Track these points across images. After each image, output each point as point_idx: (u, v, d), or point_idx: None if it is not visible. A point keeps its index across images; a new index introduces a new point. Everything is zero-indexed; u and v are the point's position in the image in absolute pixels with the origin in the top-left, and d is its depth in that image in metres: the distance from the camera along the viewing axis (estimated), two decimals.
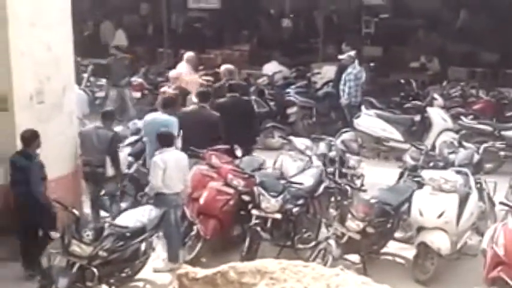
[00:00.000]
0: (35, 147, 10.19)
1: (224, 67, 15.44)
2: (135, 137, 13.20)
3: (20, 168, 10.12)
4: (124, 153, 12.79)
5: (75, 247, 9.03)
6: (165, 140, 10.71)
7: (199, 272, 6.79)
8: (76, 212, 9.40)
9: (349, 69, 16.63)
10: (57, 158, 11.09)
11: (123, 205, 12.40)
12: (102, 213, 12.15)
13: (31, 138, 10.14)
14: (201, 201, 10.97)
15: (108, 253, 9.23)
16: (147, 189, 10.82)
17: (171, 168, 10.38)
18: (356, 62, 16.88)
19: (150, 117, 12.61)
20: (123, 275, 9.73)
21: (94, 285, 9.17)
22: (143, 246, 9.90)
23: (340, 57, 17.16)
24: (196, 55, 17.40)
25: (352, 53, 16.97)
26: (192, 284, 6.71)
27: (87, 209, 11.90)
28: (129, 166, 12.67)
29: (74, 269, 9.04)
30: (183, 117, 12.44)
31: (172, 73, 15.71)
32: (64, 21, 11.35)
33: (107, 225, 9.53)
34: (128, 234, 9.54)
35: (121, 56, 18.64)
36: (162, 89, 15.10)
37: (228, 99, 13.43)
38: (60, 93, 11.25)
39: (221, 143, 12.28)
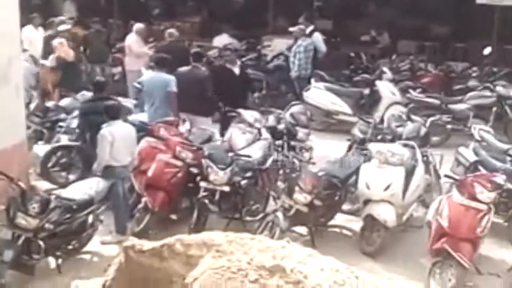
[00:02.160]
0: None
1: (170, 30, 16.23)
2: None
3: None
4: (72, 125, 12.79)
5: (21, 220, 8.94)
6: (112, 112, 10.65)
7: (146, 245, 6.78)
8: (22, 184, 9.32)
9: (299, 42, 16.63)
10: (3, 129, 10.96)
11: (71, 177, 12.36)
12: (49, 185, 12.11)
13: None
14: (149, 173, 10.92)
15: (54, 225, 9.17)
16: (94, 166, 10.74)
17: (119, 141, 10.33)
18: (315, 34, 16.91)
19: (148, 76, 13.05)
20: (70, 247, 9.68)
21: (40, 257, 9.11)
22: (90, 218, 9.84)
23: (290, 29, 17.15)
24: (146, 26, 17.29)
25: (310, 27, 17.00)
26: (139, 257, 6.71)
27: (33, 181, 11.80)
28: (77, 138, 12.59)
29: (20, 242, 8.95)
30: (179, 76, 12.88)
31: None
32: None
33: (53, 197, 9.45)
34: (74, 206, 9.48)
35: (98, 28, 18.34)
36: None
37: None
38: (6, 65, 11.08)
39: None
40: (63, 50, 15.38)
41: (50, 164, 12.55)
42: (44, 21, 18.05)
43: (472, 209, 9.30)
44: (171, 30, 16.54)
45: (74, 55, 15.48)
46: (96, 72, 17.08)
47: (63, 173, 12.60)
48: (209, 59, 17.51)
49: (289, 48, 17.56)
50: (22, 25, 17.12)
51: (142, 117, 12.85)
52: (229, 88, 13.39)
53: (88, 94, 13.79)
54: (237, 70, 13.86)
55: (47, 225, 9.08)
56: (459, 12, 18.88)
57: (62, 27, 16.62)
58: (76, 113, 12.98)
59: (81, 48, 17.24)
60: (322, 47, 17.25)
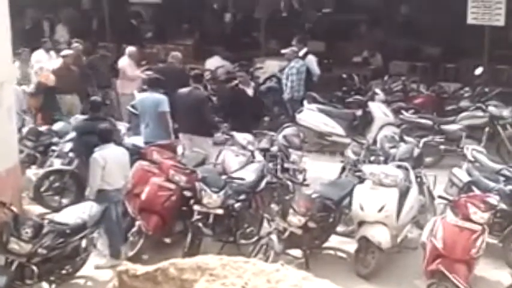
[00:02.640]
0: None
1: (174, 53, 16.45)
2: (75, 133, 13.05)
3: None
4: (65, 149, 12.78)
5: (14, 245, 8.92)
6: (104, 136, 10.65)
7: (140, 269, 6.77)
8: (14, 208, 9.29)
9: (292, 63, 16.64)
10: None
11: (64, 201, 12.34)
12: (43, 209, 12.08)
13: None
14: (143, 197, 10.93)
15: (47, 250, 9.15)
16: (87, 192, 10.75)
17: (111, 164, 10.33)
18: (308, 56, 16.96)
19: (141, 96, 13.22)
20: (64, 272, 9.68)
21: (34, 282, 9.10)
22: (84, 242, 9.83)
23: (283, 51, 17.19)
24: (139, 50, 17.33)
25: (304, 50, 17.04)
26: (132, 281, 6.70)
27: (26, 206, 11.77)
28: (70, 162, 12.59)
29: (13, 267, 8.94)
30: (179, 97, 13.13)
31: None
32: (1, 17, 11.16)
33: (46, 222, 9.43)
34: (68, 231, 9.47)
35: (103, 53, 18.27)
36: None
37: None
38: None
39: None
40: (44, 75, 15.44)
41: (43, 188, 12.56)
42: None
43: (466, 229, 9.32)
44: (175, 53, 16.58)
45: (54, 80, 15.48)
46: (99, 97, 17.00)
47: (56, 197, 12.62)
48: (219, 80, 17.58)
49: (281, 70, 17.59)
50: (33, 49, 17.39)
51: (136, 140, 12.85)
52: (242, 110, 13.44)
53: (81, 117, 13.81)
54: (250, 92, 13.85)
55: (40, 250, 9.06)
56: (450, 33, 18.93)
57: (65, 52, 16.50)
58: (69, 136, 13.00)
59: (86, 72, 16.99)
60: (316, 70, 17.28)
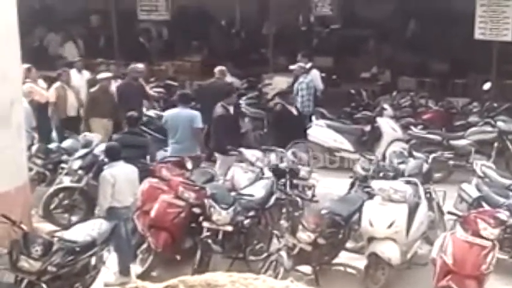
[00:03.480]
0: None
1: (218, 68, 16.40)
2: (85, 150, 13.11)
3: None
4: (75, 166, 12.81)
5: (24, 263, 8.89)
6: (113, 154, 10.70)
7: (149, 286, 6.80)
8: (24, 226, 9.29)
9: (301, 79, 16.66)
10: (6, 172, 10.95)
11: (74, 219, 12.36)
12: (52, 227, 12.08)
13: None
14: (152, 214, 10.93)
15: (57, 268, 9.11)
16: (96, 210, 10.79)
17: (121, 182, 10.36)
18: (312, 71, 17.00)
19: (172, 112, 13.48)
20: None
21: None
22: (93, 260, 9.75)
23: (291, 67, 17.22)
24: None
25: (309, 64, 17.07)
26: None
27: (36, 223, 11.78)
28: (79, 179, 12.61)
29: (23, 285, 8.90)
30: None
31: None
32: (11, 36, 11.20)
33: (56, 239, 9.41)
34: (77, 248, 9.40)
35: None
36: None
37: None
38: (8, 106, 11.10)
39: None
40: (36, 93, 15.42)
41: (52, 206, 12.60)
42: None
43: (477, 245, 9.31)
44: (220, 67, 16.49)
45: (47, 96, 15.51)
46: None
47: (66, 215, 12.63)
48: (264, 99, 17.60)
49: (289, 86, 17.61)
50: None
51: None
52: (288, 129, 13.45)
53: (90, 135, 13.87)
54: (294, 111, 13.85)
55: (49, 268, 9.02)
56: (458, 48, 18.96)
57: (103, 75, 16.07)
58: (78, 154, 13.03)
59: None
60: (320, 85, 17.30)
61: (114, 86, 15.95)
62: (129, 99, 15.16)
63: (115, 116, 15.30)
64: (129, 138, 12.67)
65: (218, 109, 13.81)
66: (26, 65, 16.01)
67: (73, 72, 16.91)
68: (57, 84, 16.01)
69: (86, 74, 17.52)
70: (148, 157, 12.83)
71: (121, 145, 12.08)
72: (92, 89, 15.91)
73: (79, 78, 17.08)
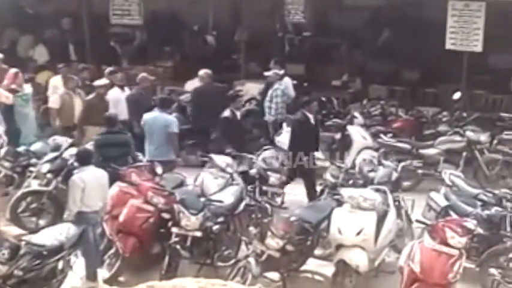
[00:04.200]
0: None
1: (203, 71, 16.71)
2: (54, 154, 13.05)
3: None
4: (43, 170, 12.73)
5: None
6: (84, 158, 10.67)
7: None
8: None
9: (276, 86, 16.71)
10: None
11: (41, 222, 12.29)
12: (20, 230, 12.01)
13: None
14: (121, 218, 10.93)
15: (24, 272, 9.08)
16: (65, 214, 10.74)
17: (91, 187, 10.33)
18: (285, 78, 17.04)
19: (149, 116, 13.55)
20: None
21: None
22: (61, 264, 9.73)
23: (265, 74, 17.26)
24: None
25: (281, 71, 17.11)
26: None
27: (3, 227, 11.71)
28: (48, 183, 12.54)
29: None
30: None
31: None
32: None
33: (23, 243, 9.37)
34: (45, 252, 9.39)
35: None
36: None
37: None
38: None
39: None
40: (2, 95, 15.21)
41: (20, 209, 12.51)
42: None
43: (444, 254, 9.37)
44: (205, 70, 16.75)
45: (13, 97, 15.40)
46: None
47: (33, 219, 12.56)
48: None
49: (261, 93, 17.63)
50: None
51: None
52: (307, 137, 13.60)
53: (59, 138, 13.80)
54: (312, 119, 13.85)
55: (16, 272, 9.00)
56: (429, 58, 19.05)
57: (99, 82, 15.66)
58: (47, 157, 12.95)
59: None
60: (291, 93, 17.32)
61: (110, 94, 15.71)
62: (141, 110, 14.88)
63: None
64: (110, 137, 12.82)
65: (227, 113, 14.23)
66: (14, 70, 16.02)
67: (57, 79, 16.69)
68: (62, 90, 15.83)
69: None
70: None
71: (103, 145, 12.52)
72: (88, 97, 15.54)
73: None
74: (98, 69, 19.53)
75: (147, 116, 13.73)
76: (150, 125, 13.61)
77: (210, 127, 16.00)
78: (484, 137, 15.25)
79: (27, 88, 16.11)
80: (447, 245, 9.43)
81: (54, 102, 15.80)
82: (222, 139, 14.40)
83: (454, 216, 10.88)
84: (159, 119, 13.60)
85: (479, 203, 11.37)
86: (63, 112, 15.59)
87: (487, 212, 11.03)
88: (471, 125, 15.82)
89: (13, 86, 15.58)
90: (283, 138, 15.78)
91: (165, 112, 13.75)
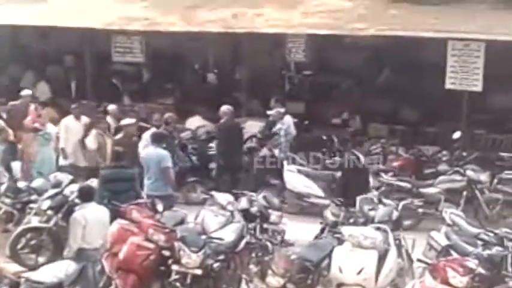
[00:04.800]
0: None
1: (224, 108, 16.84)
2: (55, 190, 13.04)
3: None
4: (44, 207, 12.71)
5: None
6: (85, 195, 10.66)
7: None
8: None
9: (279, 125, 16.80)
10: None
11: (41, 259, 12.23)
12: (18, 267, 11.95)
13: None
14: (121, 256, 10.83)
15: None
16: (65, 251, 10.72)
17: (92, 224, 10.34)
18: (286, 117, 17.09)
19: (145, 151, 13.75)
20: None
21: None
22: None
23: (268, 112, 17.33)
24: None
25: (282, 109, 17.17)
26: None
27: (2, 264, 11.67)
28: (48, 220, 12.51)
29: None
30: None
31: None
32: None
33: (22, 280, 9.32)
34: None
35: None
36: None
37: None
38: None
39: None
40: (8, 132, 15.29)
41: (19, 246, 12.46)
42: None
43: None
44: (227, 106, 16.87)
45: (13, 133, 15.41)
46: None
47: (33, 255, 12.50)
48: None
49: (261, 131, 17.67)
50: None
51: None
52: (356, 181, 13.63)
53: (60, 175, 13.80)
54: (362, 158, 13.77)
55: None
56: (428, 97, 19.09)
57: (127, 121, 15.62)
58: (47, 194, 12.94)
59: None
60: (293, 131, 17.38)
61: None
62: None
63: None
64: (117, 172, 12.91)
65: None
66: (34, 105, 16.10)
67: (70, 119, 16.51)
68: (94, 131, 15.79)
69: (84, 119, 16.68)
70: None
71: (109, 179, 12.61)
72: (117, 136, 15.50)
73: (76, 124, 16.43)
74: (99, 105, 19.61)
75: (143, 152, 13.74)
76: (145, 160, 13.64)
77: (235, 162, 16.41)
78: (484, 177, 15.27)
79: (50, 127, 16.09)
80: (448, 284, 9.38)
81: (91, 142, 15.73)
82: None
83: (455, 255, 10.82)
84: (152, 154, 13.63)
85: (480, 243, 11.30)
86: (99, 152, 15.60)
87: (488, 251, 10.96)
88: (471, 164, 15.83)
89: (36, 125, 15.65)
90: (284, 176, 15.84)
91: (159, 147, 13.72)
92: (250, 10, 19.56)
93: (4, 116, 16.45)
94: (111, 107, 16.71)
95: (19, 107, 17.45)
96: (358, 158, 13.77)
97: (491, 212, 14.92)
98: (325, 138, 18.38)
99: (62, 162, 15.62)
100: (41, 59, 23.79)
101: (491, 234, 11.52)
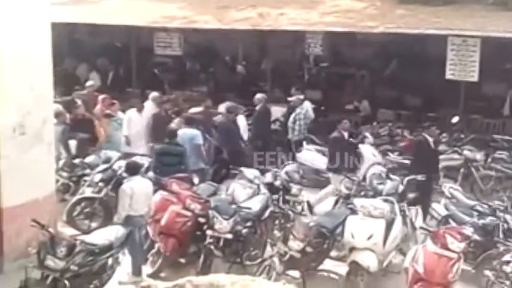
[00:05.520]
0: None
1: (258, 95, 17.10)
2: (105, 165, 13.13)
3: None
4: (96, 179, 12.79)
5: (50, 261, 8.91)
6: (132, 169, 10.75)
7: (160, 285, 6.76)
8: (51, 230, 9.28)
9: (298, 110, 16.75)
10: (36, 182, 10.98)
11: (93, 225, 12.33)
12: (74, 231, 12.06)
13: None
14: (163, 222, 10.92)
15: (78, 267, 9.12)
16: (115, 218, 10.81)
17: (138, 194, 10.39)
18: (305, 102, 17.05)
19: (180, 132, 13.72)
20: (92, 286, 9.57)
21: None
22: (110, 261, 9.76)
23: (289, 99, 17.30)
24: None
25: (302, 96, 17.14)
26: None
27: (60, 228, 11.76)
28: (99, 191, 12.61)
29: (48, 281, 8.91)
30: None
31: None
32: (45, 66, 11.28)
33: (78, 242, 9.40)
34: (97, 250, 9.43)
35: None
36: None
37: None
38: (41, 126, 11.14)
39: None
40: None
41: (75, 213, 12.57)
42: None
43: (445, 257, 9.31)
44: (261, 94, 17.19)
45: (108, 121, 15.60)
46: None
47: (86, 221, 12.60)
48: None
49: (284, 115, 17.64)
50: None
51: None
52: (427, 160, 13.46)
53: (109, 153, 13.87)
54: (432, 143, 13.78)
55: (72, 267, 9.03)
56: (431, 86, 18.98)
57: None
58: (99, 168, 13.03)
59: None
60: (311, 115, 17.32)
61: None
62: (229, 139, 15.31)
63: None
64: (167, 147, 13.08)
65: (335, 134, 14.33)
66: (103, 95, 16.17)
67: (133, 111, 15.92)
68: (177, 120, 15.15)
69: (146, 111, 16.08)
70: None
71: (161, 153, 12.95)
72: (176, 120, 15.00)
73: (138, 116, 15.87)
74: (142, 93, 19.64)
75: (179, 133, 13.77)
76: (181, 139, 13.60)
77: (265, 138, 16.69)
78: (479, 156, 15.18)
79: (121, 114, 16.09)
80: (447, 249, 9.37)
81: None
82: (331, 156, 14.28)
83: (453, 224, 10.81)
84: (186, 134, 13.75)
85: (475, 213, 11.29)
86: None
87: (482, 221, 10.95)
88: (468, 145, 15.76)
89: (108, 111, 15.71)
90: (304, 154, 15.82)
91: (191, 128, 13.94)
92: (274, 10, 19.50)
93: (79, 102, 16.52)
94: (153, 94, 16.68)
95: (87, 95, 17.62)
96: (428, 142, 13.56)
97: (486, 187, 14.83)
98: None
99: (125, 148, 15.45)
100: (92, 52, 23.85)
101: (486, 206, 11.52)
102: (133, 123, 15.61)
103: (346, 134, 13.95)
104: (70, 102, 16.70)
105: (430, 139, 13.52)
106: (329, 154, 14.22)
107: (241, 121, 16.23)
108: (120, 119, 15.88)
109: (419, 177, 12.69)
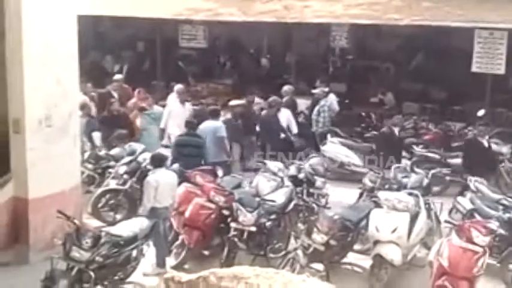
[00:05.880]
0: None
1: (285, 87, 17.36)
2: (130, 157, 13.19)
3: None
4: (120, 171, 12.86)
5: (75, 253, 8.96)
6: (157, 161, 10.80)
7: (184, 276, 6.79)
8: (77, 221, 9.36)
9: (322, 102, 16.75)
10: (62, 174, 11.07)
11: (118, 216, 12.41)
12: (99, 223, 12.15)
13: None
14: (187, 214, 10.96)
15: (103, 258, 9.17)
16: (140, 209, 10.87)
17: (162, 186, 10.42)
18: (330, 95, 17.03)
19: (203, 124, 13.76)
20: (116, 278, 9.65)
21: (90, 286, 9.07)
22: (134, 252, 9.81)
23: (313, 91, 17.28)
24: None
25: (326, 89, 17.12)
26: (177, 287, 6.71)
27: (85, 220, 11.85)
28: (124, 183, 12.67)
29: (73, 272, 8.97)
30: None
31: None
32: (71, 59, 11.37)
33: (103, 233, 9.47)
34: (121, 242, 9.48)
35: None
36: None
37: None
38: (67, 118, 11.23)
39: None
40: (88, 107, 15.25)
41: (100, 205, 12.64)
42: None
43: (470, 251, 9.26)
44: (288, 86, 17.42)
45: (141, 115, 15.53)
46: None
47: (111, 213, 12.67)
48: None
49: (308, 108, 17.61)
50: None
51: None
52: (480, 160, 13.58)
53: (134, 145, 13.93)
54: (485, 143, 13.73)
55: (97, 258, 9.09)
56: (457, 79, 18.87)
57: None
58: (124, 160, 13.09)
59: None
60: (336, 107, 17.33)
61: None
62: (271, 131, 15.44)
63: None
64: (187, 139, 13.16)
65: (384, 129, 14.56)
66: (138, 89, 16.44)
67: (176, 103, 16.07)
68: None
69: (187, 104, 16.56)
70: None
71: (181, 144, 13.03)
72: (225, 116, 15.16)
73: (181, 108, 16.04)
74: (167, 85, 19.71)
75: (202, 125, 13.79)
76: (203, 131, 13.65)
77: None
78: (505, 149, 15.10)
79: (157, 108, 16.11)
80: (472, 243, 9.32)
81: None
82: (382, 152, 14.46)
83: (478, 218, 10.73)
84: (209, 126, 13.77)
85: (500, 207, 11.19)
86: None
87: (507, 215, 10.86)
88: (493, 139, 15.62)
89: (143, 105, 15.75)
90: (328, 147, 15.80)
91: (214, 120, 13.98)
92: (299, 3, 19.47)
93: (114, 94, 16.65)
94: (178, 86, 16.71)
95: (118, 88, 17.64)
96: (481, 143, 13.59)
97: (511, 180, 14.72)
98: (363, 115, 18.26)
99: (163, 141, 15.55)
100: (118, 45, 23.97)
101: (511, 200, 11.40)
102: (175, 114, 15.64)
103: (396, 130, 13.88)
104: (105, 94, 16.85)
105: (484, 140, 13.46)
106: (376, 149, 14.15)
107: (286, 114, 16.06)
108: (154, 113, 15.76)
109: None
